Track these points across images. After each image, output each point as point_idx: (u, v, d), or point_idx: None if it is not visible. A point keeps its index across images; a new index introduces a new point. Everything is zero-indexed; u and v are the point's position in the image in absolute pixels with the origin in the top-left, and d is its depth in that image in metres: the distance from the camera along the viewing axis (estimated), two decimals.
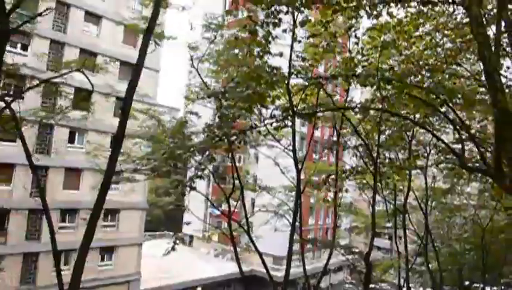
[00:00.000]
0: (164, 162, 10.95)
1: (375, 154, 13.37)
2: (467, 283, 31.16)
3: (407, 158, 16.45)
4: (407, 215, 25.49)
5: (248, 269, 43.48)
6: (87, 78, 12.64)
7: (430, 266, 24.70)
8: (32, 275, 26.93)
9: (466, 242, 28.96)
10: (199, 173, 10.03)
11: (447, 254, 29.17)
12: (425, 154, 18.90)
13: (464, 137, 11.55)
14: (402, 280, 23.99)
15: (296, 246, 34.78)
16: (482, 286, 28.54)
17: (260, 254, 16.51)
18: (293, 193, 18.14)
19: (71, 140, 29.46)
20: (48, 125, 28.36)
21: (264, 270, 38.81)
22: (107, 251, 30.46)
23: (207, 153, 10.16)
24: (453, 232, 30.75)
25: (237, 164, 49.60)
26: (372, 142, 14.27)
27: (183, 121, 11.93)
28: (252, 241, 16.31)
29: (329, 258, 16.77)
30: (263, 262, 16.47)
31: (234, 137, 10.70)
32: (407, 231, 28.22)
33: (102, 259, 30.30)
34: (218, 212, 50.40)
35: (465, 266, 29.19)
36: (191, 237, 54.07)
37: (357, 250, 20.23)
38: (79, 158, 28.92)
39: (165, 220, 63.32)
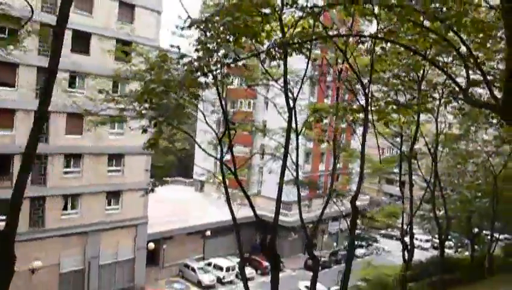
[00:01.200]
0: (140, 99, 10.17)
1: (376, 93, 12.26)
2: (476, 230, 30.77)
3: (413, 97, 15.23)
4: (417, 161, 24.64)
5: (257, 213, 43.94)
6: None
7: (437, 213, 24.15)
8: (40, 218, 27.42)
9: (477, 189, 28.21)
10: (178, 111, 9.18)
11: (457, 201, 28.58)
12: (437, 97, 17.64)
13: (475, 75, 10.34)
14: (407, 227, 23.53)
15: (305, 193, 34.41)
16: (490, 233, 28.09)
17: (248, 197, 16.33)
18: (293, 136, 17.29)
19: (72, 84, 28.76)
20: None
21: (273, 215, 38.75)
22: (114, 196, 30.69)
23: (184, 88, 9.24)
24: (465, 179, 29.90)
25: (247, 110, 48.71)
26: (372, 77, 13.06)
27: (163, 54, 10.86)
28: (239, 184, 15.96)
29: (325, 205, 16.28)
30: (251, 204, 16.22)
31: (217, 70, 9.78)
32: (417, 177, 27.51)
33: (109, 203, 30.61)
34: (228, 158, 50.55)
35: (474, 213, 28.65)
36: (202, 182, 54.51)
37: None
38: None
39: (178, 166, 63.98)
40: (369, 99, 12.56)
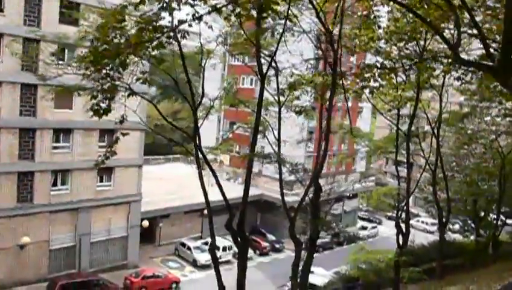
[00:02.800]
0: (85, 61, 9.02)
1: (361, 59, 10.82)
2: (482, 213, 29.39)
3: (409, 66, 13.72)
4: (419, 140, 23.25)
5: (258, 192, 43.01)
6: None
7: (440, 195, 22.81)
8: (29, 193, 26.76)
9: (484, 171, 26.68)
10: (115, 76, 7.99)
11: (462, 184, 27.16)
12: (438, 69, 16.04)
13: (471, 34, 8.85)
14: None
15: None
16: (496, 216, 26.70)
17: (215, 174, 15.29)
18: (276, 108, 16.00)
19: (61, 56, 27.52)
20: (34, 40, 26.50)
21: (274, 195, 37.57)
22: (105, 172, 29.80)
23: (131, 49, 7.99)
24: (471, 160, 28.34)
25: (248, 86, 47.38)
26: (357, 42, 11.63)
27: (118, 11, 9.43)
28: (204, 157, 14.94)
29: (307, 188, 15.18)
30: (218, 182, 15.39)
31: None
32: (422, 158, 26.04)
33: (101, 180, 29.84)
34: (229, 136, 49.31)
35: (481, 196, 27.23)
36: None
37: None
38: (70, 76, 27.21)
39: (181, 144, 63.07)
40: (339, 57, 11.12)
